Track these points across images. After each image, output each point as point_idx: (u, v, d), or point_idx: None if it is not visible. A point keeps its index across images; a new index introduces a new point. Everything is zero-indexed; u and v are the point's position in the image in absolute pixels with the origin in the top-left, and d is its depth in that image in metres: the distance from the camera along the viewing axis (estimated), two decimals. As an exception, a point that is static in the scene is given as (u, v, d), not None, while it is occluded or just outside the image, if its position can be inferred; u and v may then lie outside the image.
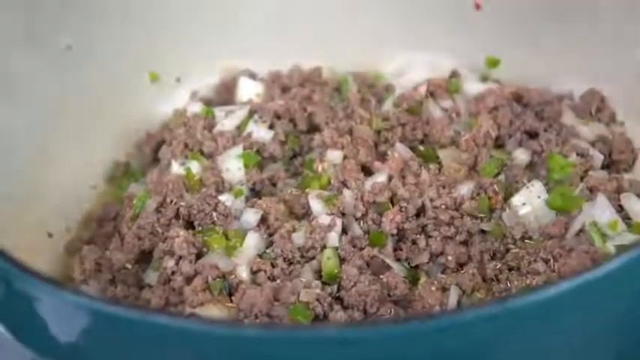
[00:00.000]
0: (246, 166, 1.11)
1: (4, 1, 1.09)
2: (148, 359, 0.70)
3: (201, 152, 1.14)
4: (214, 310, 0.90)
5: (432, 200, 1.02)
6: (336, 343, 0.67)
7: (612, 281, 0.71)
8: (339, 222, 1.00)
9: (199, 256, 0.98)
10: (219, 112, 1.21)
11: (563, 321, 0.70)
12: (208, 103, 1.28)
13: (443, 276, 0.97)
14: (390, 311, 0.93)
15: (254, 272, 0.96)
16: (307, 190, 1.06)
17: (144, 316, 0.64)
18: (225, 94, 1.30)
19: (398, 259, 1.00)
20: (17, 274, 0.73)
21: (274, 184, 1.12)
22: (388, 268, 0.98)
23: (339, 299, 0.95)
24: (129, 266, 1.00)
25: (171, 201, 1.04)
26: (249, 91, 1.26)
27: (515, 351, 0.71)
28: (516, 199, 1.03)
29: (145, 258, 1.02)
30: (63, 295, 0.70)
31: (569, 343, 0.74)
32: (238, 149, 1.12)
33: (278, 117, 1.18)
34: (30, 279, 0.72)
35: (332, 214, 1.01)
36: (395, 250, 1.01)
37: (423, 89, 1.20)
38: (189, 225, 1.04)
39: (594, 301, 0.72)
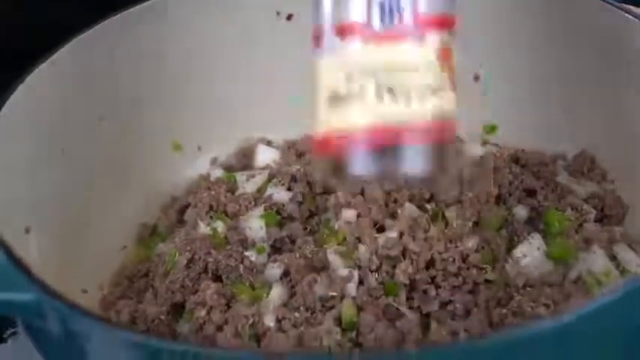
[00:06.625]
0: (267, 225, 1.19)
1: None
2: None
3: (225, 213, 1.23)
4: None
5: (440, 253, 1.09)
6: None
7: (617, 306, 0.77)
8: (355, 274, 1.08)
9: (228, 307, 1.06)
10: (240, 176, 1.30)
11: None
12: (228, 168, 1.39)
13: (453, 322, 1.05)
14: (406, 355, 1.00)
15: (279, 320, 1.03)
16: (325, 245, 1.14)
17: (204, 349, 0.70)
18: (243, 160, 1.40)
19: (410, 307, 1.08)
20: (70, 312, 0.80)
21: (293, 242, 1.20)
22: (402, 315, 1.05)
23: (358, 345, 1.02)
24: (162, 317, 1.07)
25: (200, 257, 1.12)
26: (266, 157, 1.37)
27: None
28: (518, 251, 1.11)
29: (177, 310, 1.09)
30: (116, 332, 0.77)
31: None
32: (260, 210, 1.21)
33: (295, 180, 1.27)
34: (84, 317, 0.79)
35: (349, 267, 1.09)
36: (407, 299, 1.08)
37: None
38: (218, 279, 1.12)
39: (597, 330, 0.78)
